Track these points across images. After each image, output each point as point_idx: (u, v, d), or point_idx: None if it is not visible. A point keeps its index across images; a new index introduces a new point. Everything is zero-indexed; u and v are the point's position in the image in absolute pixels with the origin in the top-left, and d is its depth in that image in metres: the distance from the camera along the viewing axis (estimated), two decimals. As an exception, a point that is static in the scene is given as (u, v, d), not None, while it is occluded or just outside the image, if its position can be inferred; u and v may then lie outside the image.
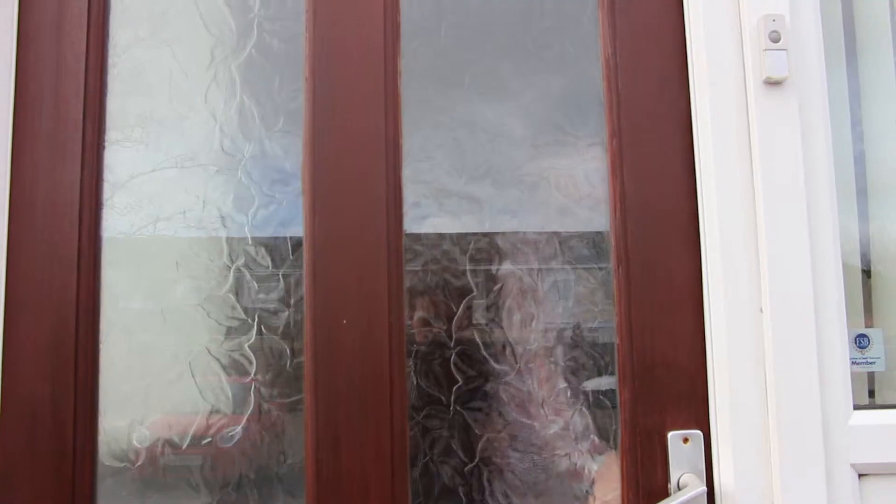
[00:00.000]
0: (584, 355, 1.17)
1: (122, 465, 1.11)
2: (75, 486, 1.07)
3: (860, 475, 1.04)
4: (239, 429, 1.13)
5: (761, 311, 1.05)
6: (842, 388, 1.05)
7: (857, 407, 1.06)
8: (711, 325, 1.07)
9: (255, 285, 1.16)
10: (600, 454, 1.14)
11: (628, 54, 1.16)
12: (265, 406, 1.13)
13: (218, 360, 1.14)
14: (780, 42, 1.06)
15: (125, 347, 1.13)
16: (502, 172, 1.19)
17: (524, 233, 1.19)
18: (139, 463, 1.12)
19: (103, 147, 1.14)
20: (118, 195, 1.15)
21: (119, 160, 1.15)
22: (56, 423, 1.07)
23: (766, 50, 1.06)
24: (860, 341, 1.12)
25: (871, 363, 1.11)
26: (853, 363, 1.09)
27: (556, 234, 1.18)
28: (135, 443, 1.12)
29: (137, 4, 1.20)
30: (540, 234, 1.19)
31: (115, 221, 1.14)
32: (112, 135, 1.15)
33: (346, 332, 1.12)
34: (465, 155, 1.19)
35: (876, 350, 1.12)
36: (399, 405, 1.11)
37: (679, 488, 1.08)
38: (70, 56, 1.13)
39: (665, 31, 1.15)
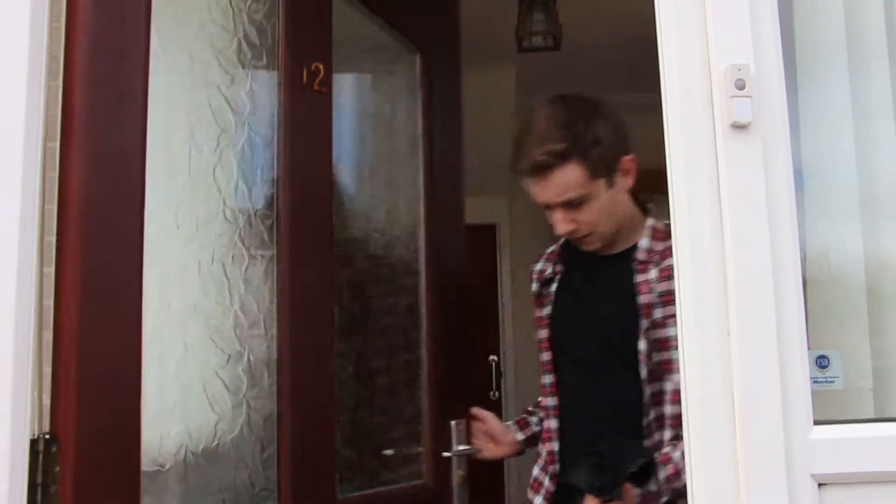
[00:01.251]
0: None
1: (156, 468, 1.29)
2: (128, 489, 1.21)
3: (820, 485, 1.14)
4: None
5: (728, 334, 1.15)
6: (803, 406, 1.15)
7: (817, 422, 1.16)
8: (684, 348, 1.17)
9: (246, 324, 1.48)
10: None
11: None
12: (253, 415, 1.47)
13: (222, 379, 1.43)
14: (746, 89, 1.17)
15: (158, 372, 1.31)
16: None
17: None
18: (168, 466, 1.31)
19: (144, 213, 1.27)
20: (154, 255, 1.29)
21: (153, 228, 1.30)
22: (115, 438, 1.20)
23: (732, 97, 1.17)
24: (821, 362, 1.22)
25: (830, 382, 1.22)
26: (814, 382, 1.19)
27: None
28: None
29: (166, 98, 1.36)
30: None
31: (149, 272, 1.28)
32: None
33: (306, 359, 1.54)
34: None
35: (835, 370, 1.22)
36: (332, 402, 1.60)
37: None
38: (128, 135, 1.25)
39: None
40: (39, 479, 1.12)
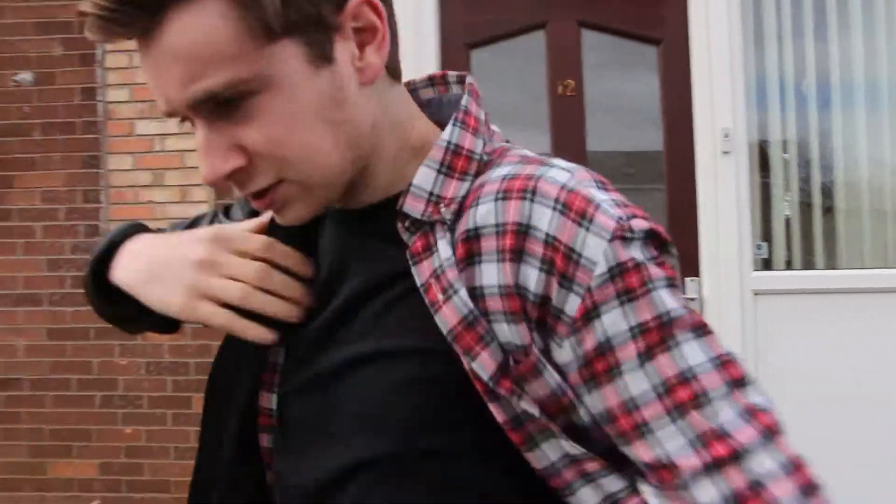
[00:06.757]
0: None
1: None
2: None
3: (755, 293, 2.85)
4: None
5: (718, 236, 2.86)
6: (749, 263, 2.86)
7: (756, 271, 2.87)
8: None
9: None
10: None
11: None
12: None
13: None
14: (729, 135, 2.84)
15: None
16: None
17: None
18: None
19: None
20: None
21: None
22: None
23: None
24: (759, 246, 2.93)
25: (762, 255, 2.93)
26: (755, 254, 2.91)
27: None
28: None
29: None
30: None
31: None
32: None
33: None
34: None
35: (765, 250, 2.93)
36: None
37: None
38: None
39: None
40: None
